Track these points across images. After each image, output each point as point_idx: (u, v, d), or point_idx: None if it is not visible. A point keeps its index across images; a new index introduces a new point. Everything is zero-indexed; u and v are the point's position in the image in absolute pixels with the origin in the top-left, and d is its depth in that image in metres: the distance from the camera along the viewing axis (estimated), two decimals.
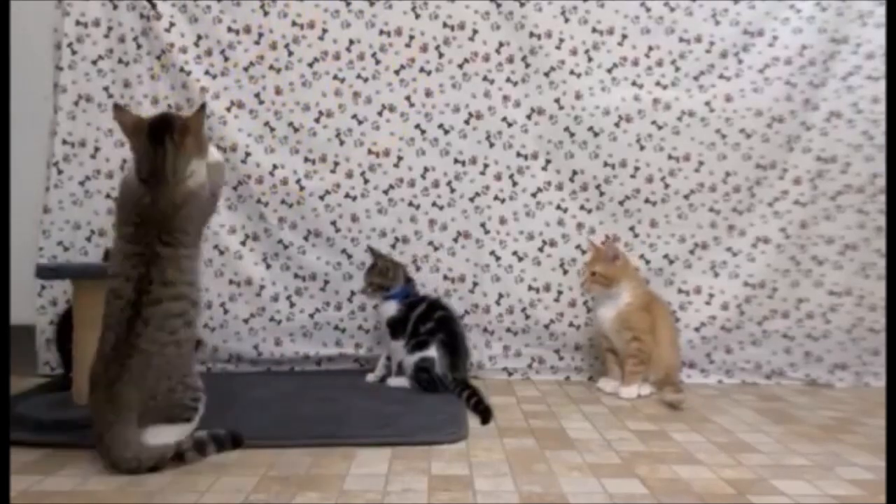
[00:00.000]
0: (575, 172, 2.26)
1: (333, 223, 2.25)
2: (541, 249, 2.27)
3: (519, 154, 2.26)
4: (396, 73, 2.24)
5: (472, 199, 2.26)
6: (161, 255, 1.37)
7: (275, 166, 2.22)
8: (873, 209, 2.25)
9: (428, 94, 2.24)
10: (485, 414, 1.75)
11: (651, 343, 2.05)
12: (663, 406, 1.93)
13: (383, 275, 2.10)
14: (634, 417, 1.82)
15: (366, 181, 2.25)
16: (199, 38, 2.19)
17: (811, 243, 2.27)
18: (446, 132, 2.25)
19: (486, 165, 2.26)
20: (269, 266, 2.23)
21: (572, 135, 2.25)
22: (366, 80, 2.23)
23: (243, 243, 2.24)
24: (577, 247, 2.26)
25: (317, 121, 2.23)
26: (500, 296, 2.27)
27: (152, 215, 1.36)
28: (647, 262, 2.27)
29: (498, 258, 2.26)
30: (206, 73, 2.19)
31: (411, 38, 2.23)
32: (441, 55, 2.24)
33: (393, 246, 2.25)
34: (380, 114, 2.24)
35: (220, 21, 2.19)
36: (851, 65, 2.23)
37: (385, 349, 2.14)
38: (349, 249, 2.26)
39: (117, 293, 1.36)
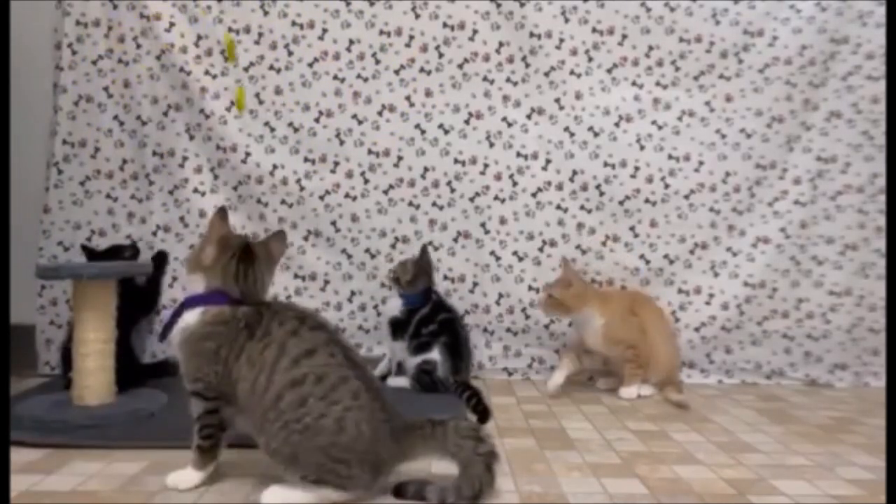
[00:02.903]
0: (575, 172, 2.26)
1: (333, 223, 2.25)
2: (541, 249, 2.27)
3: (519, 154, 2.26)
4: (396, 73, 2.24)
5: (472, 199, 2.26)
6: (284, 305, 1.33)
7: (275, 166, 2.22)
8: (873, 209, 2.25)
9: (428, 94, 2.24)
10: (483, 414, 1.74)
11: (645, 344, 2.05)
12: (668, 405, 1.93)
13: (406, 274, 2.07)
14: (634, 417, 1.82)
15: (366, 181, 2.25)
16: (199, 38, 2.19)
17: (811, 243, 2.27)
18: (446, 132, 2.25)
19: (486, 165, 2.26)
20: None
21: (572, 135, 2.25)
22: (366, 80, 2.23)
23: None
24: (577, 247, 2.26)
25: (317, 121, 2.23)
26: (500, 296, 2.27)
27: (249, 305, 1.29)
28: (648, 262, 2.27)
29: (498, 258, 2.26)
30: (206, 73, 2.19)
31: (411, 38, 2.23)
32: (441, 55, 2.24)
33: (393, 246, 2.25)
34: (380, 114, 2.24)
35: (220, 21, 2.19)
36: (851, 65, 2.23)
37: (386, 349, 2.14)
38: (349, 249, 2.26)
39: (308, 351, 1.21)
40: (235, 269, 1.26)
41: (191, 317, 1.25)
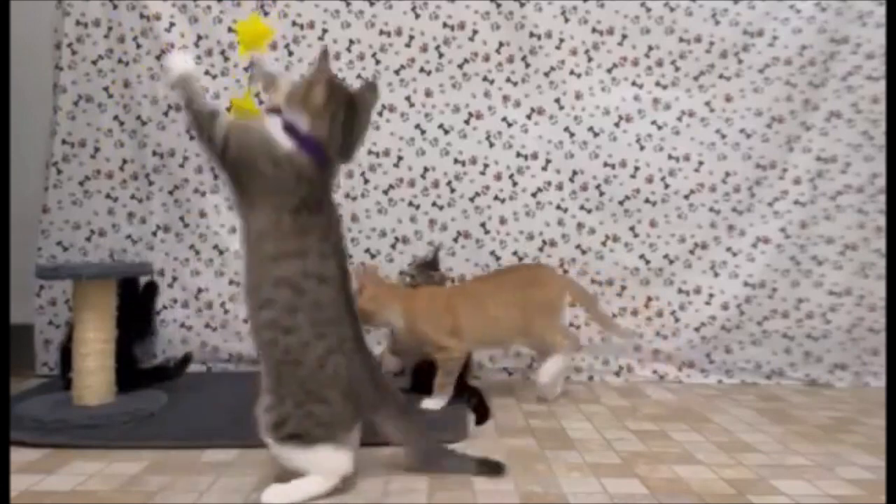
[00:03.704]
0: (575, 172, 2.26)
1: None
2: (541, 249, 2.27)
3: (519, 154, 2.26)
4: (396, 73, 2.24)
5: (472, 199, 2.26)
6: (337, 221, 1.24)
7: None
8: (873, 209, 2.25)
9: (428, 94, 2.24)
10: (481, 414, 1.74)
11: (455, 344, 1.85)
12: (668, 405, 1.93)
13: (423, 276, 2.05)
14: (634, 417, 1.82)
15: (366, 181, 2.25)
16: (199, 38, 2.19)
17: (811, 243, 2.27)
18: (446, 132, 2.25)
19: (486, 165, 2.26)
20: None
21: (572, 135, 2.25)
22: (366, 80, 2.23)
23: None
24: (577, 247, 2.26)
25: None
26: None
27: (325, 179, 1.23)
28: (648, 262, 2.27)
29: (498, 258, 2.26)
30: (206, 73, 2.19)
31: (411, 38, 2.23)
32: (441, 55, 2.24)
33: (393, 246, 2.25)
34: (380, 114, 2.24)
35: (220, 21, 2.19)
36: (851, 65, 2.23)
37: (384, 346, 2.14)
38: (349, 249, 2.26)
39: (321, 276, 1.18)
40: (344, 119, 1.18)
41: (283, 139, 1.18)
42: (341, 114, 1.19)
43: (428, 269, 2.07)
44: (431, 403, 1.83)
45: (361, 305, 1.84)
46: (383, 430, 1.29)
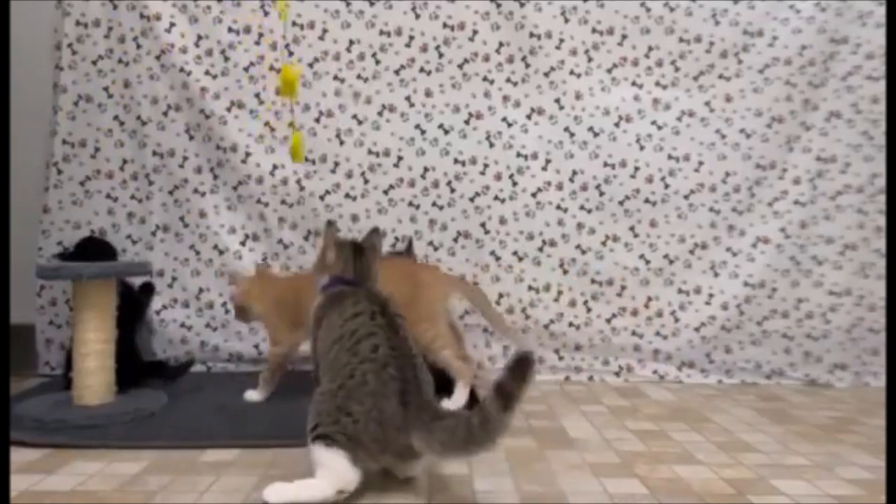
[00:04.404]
0: (575, 172, 2.26)
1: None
2: (541, 249, 2.27)
3: (519, 154, 2.26)
4: (396, 73, 2.24)
5: (472, 199, 2.26)
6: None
7: (275, 166, 2.22)
8: (873, 209, 2.25)
9: (428, 94, 2.25)
10: None
11: (286, 340, 1.85)
12: (667, 406, 1.93)
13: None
14: (634, 417, 1.82)
15: (366, 181, 2.25)
16: (200, 38, 2.19)
17: (811, 243, 2.27)
18: (446, 132, 2.26)
19: (486, 165, 2.26)
20: (268, 266, 2.23)
21: (572, 135, 2.26)
22: (366, 80, 2.24)
23: (243, 243, 2.24)
24: (577, 247, 2.26)
25: (317, 121, 2.23)
26: (500, 296, 2.27)
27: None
28: (648, 262, 2.27)
29: (498, 258, 2.26)
30: (206, 73, 2.19)
31: (411, 38, 2.23)
32: (441, 55, 2.24)
33: (393, 246, 2.25)
34: (380, 114, 2.24)
35: (220, 21, 2.19)
36: (851, 65, 2.23)
37: None
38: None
39: (354, 313, 1.30)
40: (353, 262, 1.45)
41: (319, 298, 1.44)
42: (350, 258, 1.45)
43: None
44: (255, 396, 1.85)
45: (235, 302, 1.91)
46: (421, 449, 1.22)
